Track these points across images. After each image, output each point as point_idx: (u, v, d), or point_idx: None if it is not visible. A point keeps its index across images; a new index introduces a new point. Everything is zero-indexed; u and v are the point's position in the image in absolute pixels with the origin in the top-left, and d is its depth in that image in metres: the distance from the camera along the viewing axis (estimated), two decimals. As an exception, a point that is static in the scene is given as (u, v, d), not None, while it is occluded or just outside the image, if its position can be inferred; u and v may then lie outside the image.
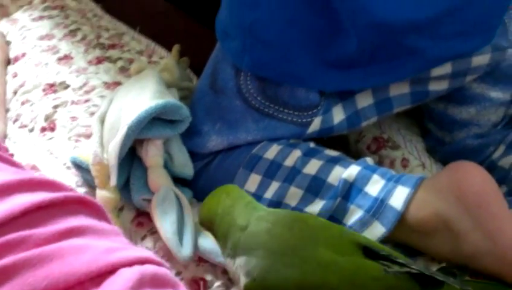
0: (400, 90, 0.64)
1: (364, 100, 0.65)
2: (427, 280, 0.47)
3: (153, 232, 0.61)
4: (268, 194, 0.61)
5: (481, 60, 0.62)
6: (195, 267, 0.57)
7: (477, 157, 0.68)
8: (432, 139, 0.72)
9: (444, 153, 0.71)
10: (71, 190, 0.40)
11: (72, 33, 0.94)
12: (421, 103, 0.68)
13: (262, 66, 0.62)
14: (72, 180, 0.67)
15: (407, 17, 0.57)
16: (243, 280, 0.48)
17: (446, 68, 0.62)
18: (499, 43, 0.62)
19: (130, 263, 0.35)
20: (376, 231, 0.56)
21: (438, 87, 0.64)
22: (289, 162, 0.61)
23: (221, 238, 0.52)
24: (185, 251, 0.55)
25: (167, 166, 0.63)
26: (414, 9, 0.58)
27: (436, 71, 0.62)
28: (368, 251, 0.49)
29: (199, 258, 0.57)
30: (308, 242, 0.48)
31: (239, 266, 0.49)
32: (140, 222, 0.63)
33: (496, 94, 0.67)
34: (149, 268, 0.36)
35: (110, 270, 0.35)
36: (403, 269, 0.47)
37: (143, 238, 0.61)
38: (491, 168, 0.65)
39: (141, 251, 0.38)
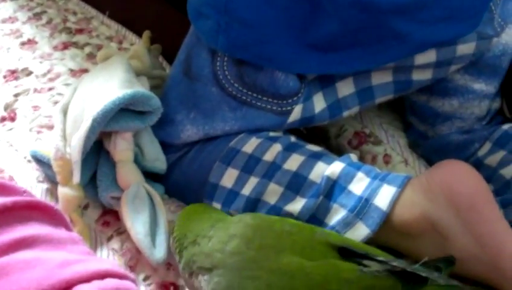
0: (382, 78, 0.63)
1: (345, 88, 0.63)
2: (409, 276, 0.46)
3: (120, 232, 0.59)
4: (246, 190, 0.59)
5: (466, 48, 0.61)
6: (166, 271, 0.55)
7: (462, 153, 0.66)
8: (414, 133, 0.71)
9: (427, 148, 0.69)
10: (24, 192, 0.36)
11: (37, 16, 0.92)
12: (404, 93, 0.66)
13: (238, 46, 0.60)
14: (32, 175, 0.64)
15: None
16: None
17: (430, 56, 0.60)
18: (484, 31, 0.61)
19: (88, 278, 0.31)
20: (360, 232, 0.54)
21: (421, 76, 0.63)
22: (269, 156, 0.59)
23: (178, 253, 0.51)
24: (158, 253, 0.54)
25: (137, 160, 0.61)
26: None
27: (420, 59, 0.60)
28: (345, 251, 0.47)
29: (170, 262, 0.55)
30: (269, 251, 0.46)
31: (203, 283, 0.47)
32: (107, 221, 0.60)
33: (480, 86, 0.66)
34: (110, 283, 0.33)
35: (65, 288, 0.31)
36: (381, 267, 0.45)
37: (109, 238, 0.59)
38: (477, 166, 0.63)
39: (101, 262, 0.35)
